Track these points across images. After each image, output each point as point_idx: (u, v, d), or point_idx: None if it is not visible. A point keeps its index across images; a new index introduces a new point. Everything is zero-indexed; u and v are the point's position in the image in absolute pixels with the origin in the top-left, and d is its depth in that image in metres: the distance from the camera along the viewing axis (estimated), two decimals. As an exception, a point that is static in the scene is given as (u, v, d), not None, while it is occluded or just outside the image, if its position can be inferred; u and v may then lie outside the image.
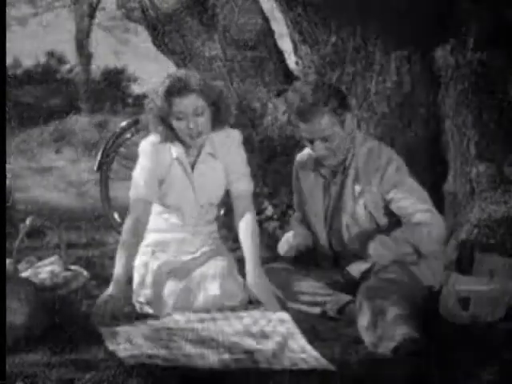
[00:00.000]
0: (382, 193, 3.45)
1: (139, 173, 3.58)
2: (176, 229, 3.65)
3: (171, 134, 3.56)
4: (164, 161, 3.58)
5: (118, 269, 3.43)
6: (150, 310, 3.50)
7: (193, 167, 3.61)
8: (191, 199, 3.61)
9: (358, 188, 3.48)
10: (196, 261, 3.60)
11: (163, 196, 3.60)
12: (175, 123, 3.52)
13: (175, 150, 3.59)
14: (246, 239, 3.56)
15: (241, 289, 3.52)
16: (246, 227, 3.57)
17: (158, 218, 3.64)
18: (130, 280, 3.52)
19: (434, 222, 3.39)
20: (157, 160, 3.57)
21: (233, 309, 3.48)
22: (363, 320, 3.16)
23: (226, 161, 3.61)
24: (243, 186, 3.63)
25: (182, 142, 3.58)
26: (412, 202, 3.41)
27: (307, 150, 3.65)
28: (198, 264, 3.58)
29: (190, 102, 3.48)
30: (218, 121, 3.57)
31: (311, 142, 3.44)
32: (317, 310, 3.45)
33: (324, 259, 3.65)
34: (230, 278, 3.52)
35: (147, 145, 3.61)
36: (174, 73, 3.58)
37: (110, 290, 3.39)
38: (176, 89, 3.47)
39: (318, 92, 3.39)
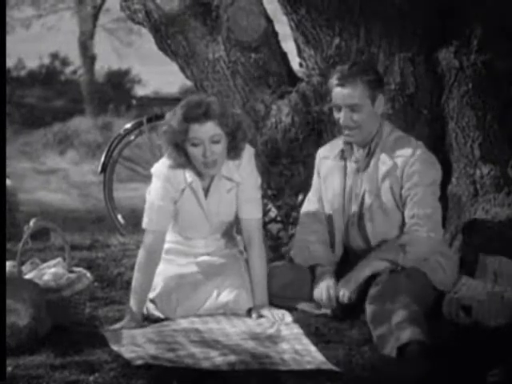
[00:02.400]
0: (402, 183, 3.47)
1: (153, 200, 3.49)
2: (189, 241, 3.63)
3: (185, 161, 3.46)
4: (178, 184, 3.49)
5: (135, 304, 3.42)
6: (156, 313, 3.49)
7: (207, 191, 3.54)
8: (203, 220, 3.57)
9: (382, 168, 3.49)
10: (208, 270, 3.58)
11: (176, 214, 3.55)
12: (190, 149, 3.42)
13: (189, 175, 3.50)
14: (254, 266, 3.55)
15: (251, 301, 3.52)
16: (254, 255, 3.56)
17: (171, 231, 3.61)
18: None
19: (415, 244, 3.41)
20: (170, 183, 3.48)
21: (236, 313, 3.49)
22: (373, 322, 3.18)
23: (239, 180, 3.54)
24: (251, 212, 3.57)
25: (195, 169, 3.49)
26: (412, 215, 3.44)
27: (326, 146, 3.71)
28: (211, 273, 3.56)
29: (207, 129, 3.38)
30: (233, 150, 3.48)
31: (339, 109, 3.48)
32: (320, 311, 3.45)
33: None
34: (244, 291, 3.52)
35: (161, 168, 3.51)
36: (194, 96, 3.47)
37: (126, 321, 3.39)
38: (195, 114, 3.38)
39: (359, 63, 3.61)
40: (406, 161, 3.47)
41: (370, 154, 3.53)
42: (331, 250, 3.63)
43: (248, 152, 3.56)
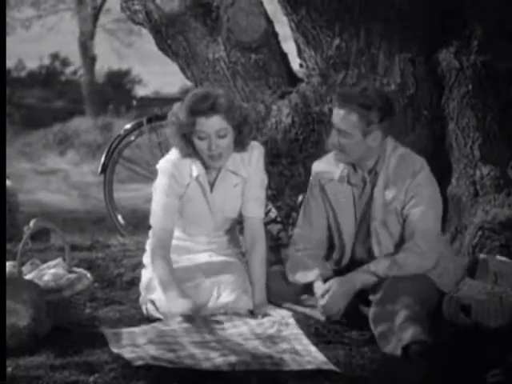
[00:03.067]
0: (404, 202, 3.42)
1: (158, 198, 3.49)
2: (191, 237, 3.63)
3: (192, 152, 3.47)
4: (183, 179, 3.50)
5: (173, 289, 3.37)
6: (156, 314, 3.49)
7: (212, 185, 3.55)
8: (208, 215, 3.58)
9: (388, 194, 3.44)
10: (210, 269, 3.56)
11: (181, 209, 3.56)
12: (197, 142, 3.43)
13: (195, 168, 3.51)
14: (255, 265, 3.55)
15: (251, 302, 3.51)
16: (256, 254, 3.55)
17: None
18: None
19: (409, 264, 3.36)
20: (176, 179, 3.48)
21: (237, 313, 3.48)
22: (375, 321, 3.18)
23: (245, 176, 3.54)
24: (256, 211, 3.58)
25: (202, 160, 3.50)
26: (412, 233, 3.40)
27: (325, 158, 3.61)
28: (212, 272, 3.54)
29: (214, 123, 3.39)
30: (239, 143, 3.49)
31: (332, 127, 3.42)
32: (321, 315, 3.44)
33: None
34: (245, 292, 3.51)
35: (166, 164, 3.52)
36: (201, 89, 3.48)
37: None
38: (202, 108, 3.38)
39: (368, 94, 3.36)
40: (408, 182, 3.41)
41: (374, 179, 3.46)
42: (339, 260, 3.61)
43: (258, 150, 3.57)
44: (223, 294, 3.48)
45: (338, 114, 3.37)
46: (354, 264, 3.54)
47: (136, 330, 3.30)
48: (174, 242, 3.60)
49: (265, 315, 3.43)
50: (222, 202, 3.56)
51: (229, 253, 3.65)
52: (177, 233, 3.61)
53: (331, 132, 3.43)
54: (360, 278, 3.38)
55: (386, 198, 3.44)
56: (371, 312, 3.23)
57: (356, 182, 3.50)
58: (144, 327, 3.34)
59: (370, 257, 3.50)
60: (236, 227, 3.74)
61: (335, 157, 3.48)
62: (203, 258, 3.60)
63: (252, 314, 3.47)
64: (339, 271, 3.57)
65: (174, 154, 3.54)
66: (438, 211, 3.49)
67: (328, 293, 3.37)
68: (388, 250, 3.47)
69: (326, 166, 3.58)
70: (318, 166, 3.62)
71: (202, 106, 3.38)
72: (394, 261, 3.37)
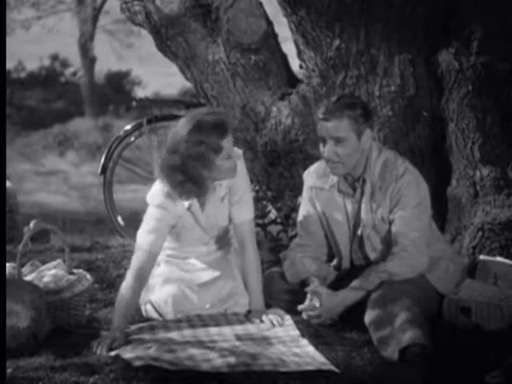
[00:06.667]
0: (390, 207, 3.44)
1: (148, 223, 3.43)
2: (188, 247, 3.62)
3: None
4: (175, 211, 3.44)
5: (118, 318, 3.23)
6: (155, 315, 3.49)
7: (202, 204, 3.51)
8: (203, 234, 3.57)
9: (375, 200, 3.46)
10: (207, 271, 3.58)
11: (176, 236, 3.55)
12: None
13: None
14: (248, 271, 3.52)
15: (247, 306, 3.53)
16: (248, 260, 3.53)
17: (171, 240, 3.58)
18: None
19: (400, 271, 3.37)
20: (168, 211, 3.42)
21: (235, 313, 3.49)
22: (373, 324, 3.18)
23: (229, 184, 3.50)
24: (243, 215, 3.54)
25: None
26: (399, 238, 3.41)
27: (314, 168, 3.64)
28: (209, 274, 3.56)
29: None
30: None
31: (324, 141, 3.42)
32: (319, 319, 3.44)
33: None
34: (242, 293, 3.53)
35: (156, 197, 3.44)
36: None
37: (111, 333, 3.20)
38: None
39: (346, 97, 3.49)
40: (392, 187, 3.43)
41: (363, 186, 3.49)
42: (338, 267, 3.63)
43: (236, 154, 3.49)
44: (222, 294, 3.50)
45: (331, 126, 3.39)
46: (354, 269, 3.55)
47: (133, 327, 3.31)
48: (171, 251, 3.61)
49: (263, 321, 3.42)
50: (214, 217, 3.54)
51: (225, 252, 3.66)
52: (173, 244, 3.60)
53: (325, 146, 3.43)
54: (350, 296, 3.38)
55: (372, 204, 3.46)
56: (368, 314, 3.23)
57: (346, 189, 3.53)
58: (141, 326, 3.35)
59: (368, 262, 3.51)
60: (228, 231, 3.73)
61: (332, 171, 3.48)
62: (200, 260, 3.61)
63: (250, 317, 3.46)
64: (340, 277, 3.58)
65: (161, 185, 3.44)
66: (425, 212, 3.47)
67: (317, 306, 3.38)
68: (384, 255, 3.48)
69: (316, 176, 3.62)
70: (308, 176, 3.66)
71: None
72: (384, 271, 3.37)
